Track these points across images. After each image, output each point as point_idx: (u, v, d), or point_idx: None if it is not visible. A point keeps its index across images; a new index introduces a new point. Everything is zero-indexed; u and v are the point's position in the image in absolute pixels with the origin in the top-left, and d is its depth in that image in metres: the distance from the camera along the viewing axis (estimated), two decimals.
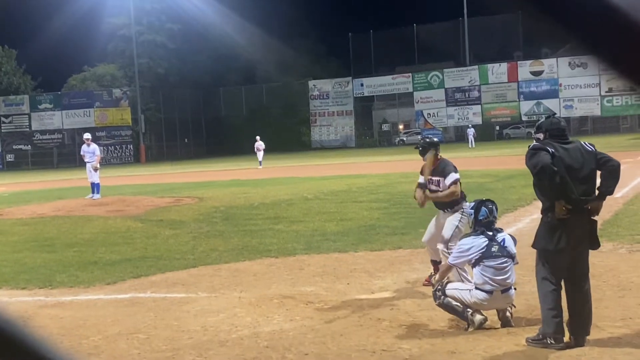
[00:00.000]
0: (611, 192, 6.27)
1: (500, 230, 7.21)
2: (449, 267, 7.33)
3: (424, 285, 8.58)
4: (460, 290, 7.04)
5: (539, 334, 6.24)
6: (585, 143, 6.34)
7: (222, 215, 18.01)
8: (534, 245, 6.41)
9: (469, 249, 7.01)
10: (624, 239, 11.32)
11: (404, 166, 31.18)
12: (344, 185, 25.19)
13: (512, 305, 7.02)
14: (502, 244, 6.99)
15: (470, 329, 6.79)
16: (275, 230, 14.62)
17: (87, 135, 26.23)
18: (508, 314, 6.95)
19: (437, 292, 7.11)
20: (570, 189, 6.04)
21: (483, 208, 7.16)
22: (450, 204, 8.48)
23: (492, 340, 6.43)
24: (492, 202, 7.33)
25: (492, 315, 6.99)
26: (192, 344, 6.79)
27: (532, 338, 6.26)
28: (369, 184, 25.15)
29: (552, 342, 6.10)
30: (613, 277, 8.61)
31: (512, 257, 6.99)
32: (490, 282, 6.84)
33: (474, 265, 7.00)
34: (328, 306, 8.04)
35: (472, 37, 79.28)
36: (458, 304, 6.95)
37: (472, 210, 7.25)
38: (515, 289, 7.02)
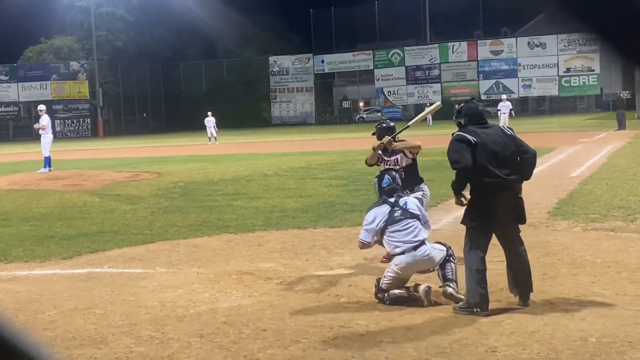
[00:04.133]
0: (529, 179, 6.78)
1: (402, 196, 7.45)
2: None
3: (382, 262, 8.62)
4: (387, 274, 7.05)
5: (465, 302, 6.54)
6: (504, 127, 6.92)
7: (180, 190, 17.91)
8: (461, 222, 6.79)
9: (373, 220, 7.20)
10: (578, 217, 11.49)
11: (363, 143, 31.09)
12: (304, 162, 25.20)
13: (452, 259, 7.01)
14: (404, 206, 7.19)
15: (425, 304, 6.81)
16: (234, 206, 14.58)
17: (40, 107, 25.89)
18: (451, 289, 6.88)
19: (378, 295, 7.05)
20: (492, 174, 6.42)
21: (386, 176, 7.49)
22: (410, 184, 8.47)
23: (448, 316, 6.50)
24: (396, 171, 7.72)
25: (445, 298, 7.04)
26: (149, 319, 6.76)
27: (460, 306, 6.55)
28: (329, 161, 25.20)
29: (478, 310, 6.40)
30: (567, 255, 8.73)
31: (416, 217, 7.15)
32: (398, 243, 7.00)
33: (382, 237, 7.15)
34: (286, 282, 8.05)
35: (433, 15, 79.51)
36: (401, 291, 6.95)
37: (377, 180, 7.54)
38: (454, 261, 7.00)
